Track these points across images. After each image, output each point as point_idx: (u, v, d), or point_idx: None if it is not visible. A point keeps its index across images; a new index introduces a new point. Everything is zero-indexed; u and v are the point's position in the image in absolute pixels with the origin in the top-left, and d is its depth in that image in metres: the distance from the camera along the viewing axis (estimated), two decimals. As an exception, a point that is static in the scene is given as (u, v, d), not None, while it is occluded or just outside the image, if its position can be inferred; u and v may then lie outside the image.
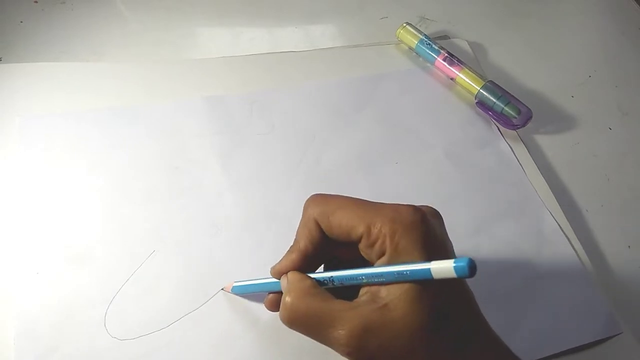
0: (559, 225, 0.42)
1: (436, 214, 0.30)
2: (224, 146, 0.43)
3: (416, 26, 0.52)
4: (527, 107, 0.47)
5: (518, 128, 0.47)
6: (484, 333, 0.28)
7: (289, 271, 0.30)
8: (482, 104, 0.48)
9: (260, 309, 0.35)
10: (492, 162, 0.45)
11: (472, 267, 0.23)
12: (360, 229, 0.28)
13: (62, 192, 0.38)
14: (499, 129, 0.48)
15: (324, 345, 0.34)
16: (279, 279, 0.31)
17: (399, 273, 0.26)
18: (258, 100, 0.46)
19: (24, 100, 0.42)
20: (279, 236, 0.39)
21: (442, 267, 0.24)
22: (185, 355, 0.33)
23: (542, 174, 0.45)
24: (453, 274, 0.24)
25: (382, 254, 0.27)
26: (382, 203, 0.29)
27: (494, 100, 0.47)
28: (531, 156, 0.46)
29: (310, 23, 0.54)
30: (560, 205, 0.43)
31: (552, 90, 0.52)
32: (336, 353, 0.32)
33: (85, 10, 0.50)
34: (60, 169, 0.39)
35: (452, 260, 0.24)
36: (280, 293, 0.31)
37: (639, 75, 0.55)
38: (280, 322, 0.30)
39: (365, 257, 0.29)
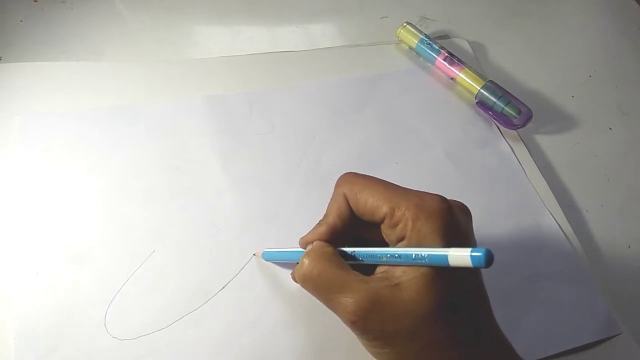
0: (559, 225, 0.42)
1: (464, 209, 0.30)
2: (224, 146, 0.43)
3: (416, 26, 0.52)
4: (527, 107, 0.47)
5: (518, 128, 0.47)
6: (491, 331, 0.28)
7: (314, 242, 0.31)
8: (482, 103, 0.48)
9: (260, 309, 0.35)
10: (492, 162, 0.45)
11: (489, 258, 0.24)
12: (384, 210, 0.28)
13: (62, 192, 0.38)
14: (499, 128, 0.48)
15: (324, 345, 0.34)
16: (306, 249, 0.32)
17: (417, 256, 0.26)
18: (258, 100, 0.46)
19: (24, 100, 0.42)
20: (279, 236, 0.39)
21: (459, 255, 0.24)
22: (185, 355, 0.33)
23: (542, 174, 0.45)
24: (469, 263, 0.24)
25: (402, 238, 0.28)
26: (410, 189, 0.29)
27: (494, 100, 0.47)
28: (531, 156, 0.46)
29: (310, 23, 0.54)
30: (560, 205, 0.43)
31: (552, 90, 0.52)
32: (337, 353, 0.32)
33: (85, 9, 0.50)
34: (60, 168, 0.39)
35: (470, 249, 0.24)
36: None
37: (639, 75, 0.55)
38: (281, 323, 0.30)
39: (386, 239, 0.29)
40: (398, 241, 0.28)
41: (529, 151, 0.47)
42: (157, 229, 0.38)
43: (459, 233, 0.28)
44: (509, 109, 0.47)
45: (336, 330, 0.35)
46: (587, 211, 0.44)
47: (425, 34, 0.51)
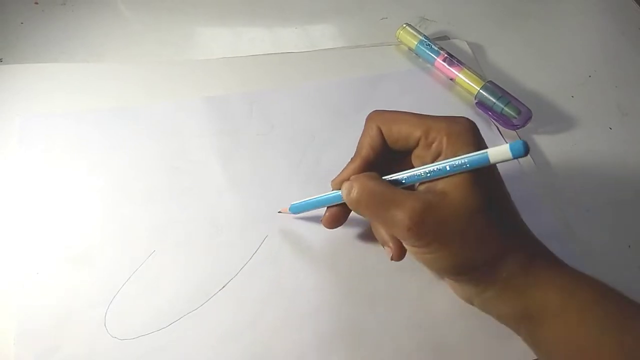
0: (559, 225, 0.42)
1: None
2: (224, 146, 0.43)
3: (416, 27, 0.52)
4: (526, 107, 0.47)
5: (518, 128, 0.47)
6: (523, 226, 0.32)
7: (348, 177, 0.33)
8: (481, 104, 0.48)
9: (260, 309, 0.35)
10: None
11: (526, 147, 0.27)
12: (418, 133, 0.32)
13: (62, 193, 0.38)
14: (498, 129, 0.48)
15: (324, 345, 0.34)
16: (339, 190, 0.33)
17: (458, 164, 0.29)
18: (258, 100, 0.46)
19: (25, 101, 0.42)
20: (279, 236, 0.39)
21: (499, 151, 0.28)
22: (185, 355, 0.33)
23: (541, 174, 0.45)
24: (509, 155, 0.27)
25: (438, 155, 0.31)
26: (437, 115, 0.32)
27: (494, 100, 0.47)
28: (531, 156, 0.46)
29: (310, 24, 0.54)
30: (560, 205, 0.43)
31: (552, 90, 0.52)
32: (337, 353, 0.32)
33: (85, 11, 0.50)
34: (60, 169, 0.39)
35: (508, 144, 0.27)
36: (339, 207, 0.35)
37: (639, 75, 0.55)
38: (281, 323, 0.31)
39: (420, 160, 0.32)
40: (433, 159, 0.31)
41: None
42: (157, 229, 0.38)
43: (484, 144, 0.31)
44: (509, 110, 0.47)
45: (336, 330, 0.35)
46: (587, 211, 0.44)
47: (424, 35, 0.51)
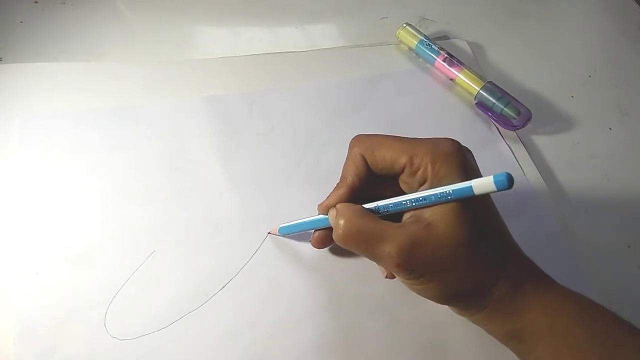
0: (559, 225, 0.42)
1: (469, 150, 0.33)
2: (224, 146, 0.43)
3: (416, 26, 0.52)
4: (526, 107, 0.47)
5: (517, 129, 0.47)
6: (513, 248, 0.32)
7: (334, 204, 0.33)
8: (481, 104, 0.48)
9: (260, 309, 0.35)
10: (491, 163, 0.45)
11: (510, 179, 0.26)
12: (403, 160, 0.31)
13: (62, 192, 0.38)
14: (498, 129, 0.48)
15: (324, 346, 0.34)
16: (326, 214, 0.34)
17: (442, 194, 0.29)
18: (258, 100, 0.46)
19: (24, 101, 0.42)
20: (279, 236, 0.39)
21: (482, 183, 0.27)
22: (185, 355, 0.33)
23: (541, 174, 0.45)
24: (493, 188, 0.27)
25: (424, 181, 0.31)
26: (421, 138, 0.32)
27: (494, 101, 0.47)
28: (531, 157, 0.46)
29: (310, 23, 0.54)
30: (560, 205, 0.44)
31: (552, 90, 0.52)
32: (337, 353, 0.32)
33: (85, 10, 0.50)
34: (60, 169, 0.39)
35: (492, 175, 0.27)
36: (326, 229, 0.35)
37: (639, 75, 0.55)
38: (281, 323, 0.32)
39: (407, 188, 0.32)
40: (420, 186, 0.31)
41: (528, 152, 0.47)
42: (157, 229, 0.38)
43: (472, 169, 0.31)
44: (508, 110, 0.47)
45: (336, 330, 0.35)
46: (587, 211, 0.44)
47: (424, 35, 0.51)
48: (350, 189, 0.33)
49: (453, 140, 0.32)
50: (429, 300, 0.32)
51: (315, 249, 0.37)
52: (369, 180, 0.33)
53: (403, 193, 0.32)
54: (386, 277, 0.35)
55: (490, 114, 0.48)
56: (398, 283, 0.37)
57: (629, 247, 0.42)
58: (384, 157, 0.32)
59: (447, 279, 0.29)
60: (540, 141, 0.48)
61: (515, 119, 0.47)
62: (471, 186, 0.28)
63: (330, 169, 0.42)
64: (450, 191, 0.28)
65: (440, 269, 0.29)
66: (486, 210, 0.31)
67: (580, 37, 0.58)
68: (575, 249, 0.41)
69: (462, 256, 0.29)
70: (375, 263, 0.35)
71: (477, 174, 0.31)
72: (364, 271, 0.38)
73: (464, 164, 0.31)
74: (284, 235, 0.38)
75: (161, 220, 0.38)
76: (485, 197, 0.31)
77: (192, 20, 0.52)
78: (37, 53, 0.46)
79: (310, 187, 0.41)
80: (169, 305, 0.35)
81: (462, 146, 0.32)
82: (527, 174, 0.45)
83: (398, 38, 0.52)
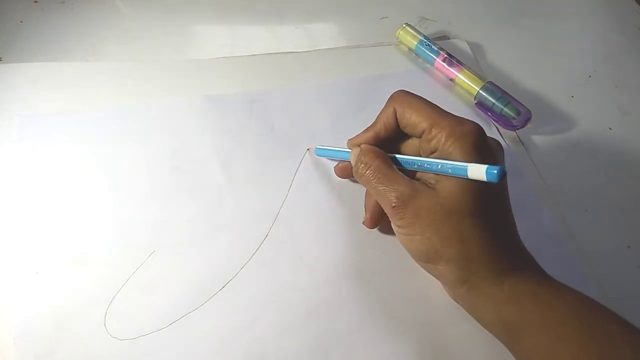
0: (559, 225, 0.42)
1: (499, 143, 0.35)
2: (224, 146, 0.43)
3: (416, 27, 0.52)
4: (526, 108, 0.47)
5: (517, 129, 0.47)
6: (514, 239, 0.33)
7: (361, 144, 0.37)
8: (481, 104, 0.48)
9: (260, 309, 0.35)
10: (491, 162, 0.45)
11: (501, 175, 0.28)
12: (423, 125, 0.34)
13: (62, 192, 0.38)
14: (498, 129, 0.48)
15: (324, 346, 0.34)
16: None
17: (442, 166, 0.31)
18: (258, 100, 0.46)
19: (24, 100, 0.42)
20: (279, 236, 0.39)
21: (476, 169, 0.29)
22: (185, 355, 0.33)
23: (541, 174, 0.45)
24: (484, 177, 0.29)
25: (434, 150, 0.33)
26: (450, 113, 0.34)
27: (494, 101, 0.47)
28: (530, 157, 0.46)
29: (309, 23, 0.54)
30: (560, 205, 0.44)
31: (552, 90, 0.52)
32: (337, 353, 0.32)
33: (84, 9, 0.50)
34: (59, 168, 0.39)
35: (486, 166, 0.29)
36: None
37: (639, 75, 0.55)
38: (281, 323, 0.32)
39: (422, 151, 0.35)
40: (430, 153, 0.34)
41: (528, 152, 0.47)
42: (157, 229, 0.38)
43: (487, 152, 0.32)
44: (508, 110, 0.47)
45: (336, 331, 0.35)
46: (587, 211, 0.44)
47: (424, 35, 0.51)
48: (377, 134, 0.37)
49: (477, 125, 0.33)
50: (429, 301, 0.32)
51: (338, 176, 0.41)
52: (396, 133, 0.36)
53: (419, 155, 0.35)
54: (363, 223, 0.38)
55: (490, 114, 0.48)
56: (399, 282, 0.38)
57: (629, 247, 0.43)
58: (410, 118, 0.35)
59: (429, 237, 0.31)
60: (540, 141, 0.48)
61: (515, 119, 0.47)
62: (466, 169, 0.30)
63: (330, 169, 0.42)
64: (449, 167, 0.31)
65: (428, 226, 0.31)
66: (497, 197, 0.33)
67: (580, 37, 0.58)
68: (575, 249, 0.41)
69: (451, 223, 0.31)
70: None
71: (492, 159, 0.32)
72: (365, 272, 0.38)
73: (476, 147, 0.32)
74: (317, 155, 0.43)
75: (161, 220, 0.38)
76: (501, 187, 0.33)
77: (192, 19, 0.52)
78: (37, 52, 0.46)
79: (311, 187, 0.41)
80: (168, 305, 0.35)
81: (483, 133, 0.33)
82: (527, 174, 0.45)
83: (398, 38, 0.52)
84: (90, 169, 0.40)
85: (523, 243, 0.33)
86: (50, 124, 0.41)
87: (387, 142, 0.37)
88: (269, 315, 0.35)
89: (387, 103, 0.37)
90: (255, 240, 0.38)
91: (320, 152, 0.42)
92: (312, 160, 0.43)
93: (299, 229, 0.39)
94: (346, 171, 0.40)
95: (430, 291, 0.37)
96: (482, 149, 0.32)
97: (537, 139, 0.48)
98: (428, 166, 0.33)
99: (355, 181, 0.41)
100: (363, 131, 0.38)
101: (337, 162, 0.41)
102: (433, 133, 0.33)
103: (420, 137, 0.35)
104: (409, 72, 0.51)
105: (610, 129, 0.50)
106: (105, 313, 0.34)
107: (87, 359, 0.32)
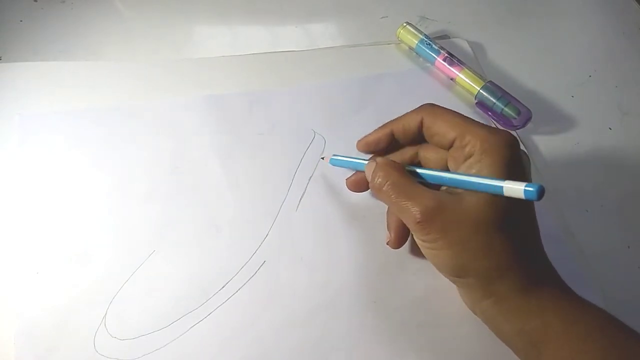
0: (559, 225, 0.42)
1: (525, 153, 0.34)
2: (224, 146, 0.43)
3: (416, 26, 0.52)
4: (526, 107, 0.47)
5: (518, 129, 0.47)
6: (539, 252, 0.32)
7: (373, 141, 0.36)
8: (482, 104, 0.48)
9: (260, 309, 0.35)
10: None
11: (540, 192, 0.27)
12: (452, 135, 0.32)
13: (62, 191, 0.38)
14: (498, 129, 0.48)
15: (324, 345, 0.34)
16: (363, 150, 0.37)
17: (475, 184, 0.30)
18: (258, 100, 0.46)
19: (24, 99, 0.42)
20: (279, 236, 0.39)
21: (513, 188, 0.28)
22: (186, 355, 0.33)
23: (541, 174, 0.45)
24: (521, 196, 0.27)
25: (470, 156, 0.32)
26: (480, 122, 0.33)
27: (494, 100, 0.47)
28: (531, 157, 0.46)
29: (310, 22, 0.54)
30: (560, 205, 0.44)
31: (552, 90, 0.52)
32: (337, 353, 0.32)
33: (84, 9, 0.50)
34: (60, 168, 0.39)
35: (524, 184, 0.27)
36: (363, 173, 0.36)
37: (639, 75, 0.55)
38: (281, 323, 0.32)
39: (452, 163, 0.33)
40: (465, 159, 0.32)
41: (528, 152, 0.47)
42: (157, 229, 0.38)
43: (519, 168, 0.31)
44: (509, 110, 0.47)
45: (336, 331, 0.35)
46: (587, 211, 0.44)
47: (425, 34, 0.51)
48: (393, 133, 0.36)
49: (511, 136, 0.32)
50: (429, 301, 0.32)
51: (351, 190, 0.39)
52: (411, 141, 0.36)
53: (446, 167, 0.34)
54: (387, 244, 0.36)
55: (490, 113, 0.48)
56: (401, 282, 0.38)
57: (629, 247, 0.43)
58: (441, 126, 0.33)
59: (458, 252, 0.30)
60: (540, 141, 0.48)
61: (515, 118, 0.47)
62: (502, 188, 0.28)
63: (330, 168, 0.42)
64: (483, 184, 0.30)
65: (456, 240, 0.30)
66: (522, 209, 0.32)
67: (580, 37, 0.58)
68: (575, 249, 0.41)
69: (480, 235, 0.30)
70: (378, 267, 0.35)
71: (522, 174, 0.32)
72: (366, 271, 0.38)
73: (511, 160, 0.31)
74: (331, 165, 0.40)
75: (161, 220, 0.38)
76: (526, 203, 0.32)
77: (192, 19, 0.52)
78: (37, 52, 0.46)
79: (311, 187, 0.41)
80: (169, 305, 0.35)
81: (517, 145, 0.32)
82: (527, 174, 0.45)
83: (398, 37, 0.52)
84: (91, 168, 0.40)
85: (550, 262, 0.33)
86: (50, 123, 0.41)
87: (398, 148, 0.36)
88: (268, 315, 0.35)
89: (414, 110, 0.35)
90: (256, 240, 0.38)
91: (336, 162, 0.40)
92: (312, 160, 0.43)
93: (299, 229, 0.39)
94: (360, 184, 0.38)
95: (434, 293, 0.37)
96: (516, 160, 0.31)
97: (537, 139, 0.48)
98: (460, 182, 0.31)
99: (370, 194, 0.40)
100: (378, 129, 0.36)
101: (350, 175, 0.39)
102: (467, 139, 0.32)
103: (448, 147, 0.33)
104: (410, 71, 0.51)
105: (610, 129, 0.50)
106: (106, 313, 0.34)
107: (87, 359, 0.32)
